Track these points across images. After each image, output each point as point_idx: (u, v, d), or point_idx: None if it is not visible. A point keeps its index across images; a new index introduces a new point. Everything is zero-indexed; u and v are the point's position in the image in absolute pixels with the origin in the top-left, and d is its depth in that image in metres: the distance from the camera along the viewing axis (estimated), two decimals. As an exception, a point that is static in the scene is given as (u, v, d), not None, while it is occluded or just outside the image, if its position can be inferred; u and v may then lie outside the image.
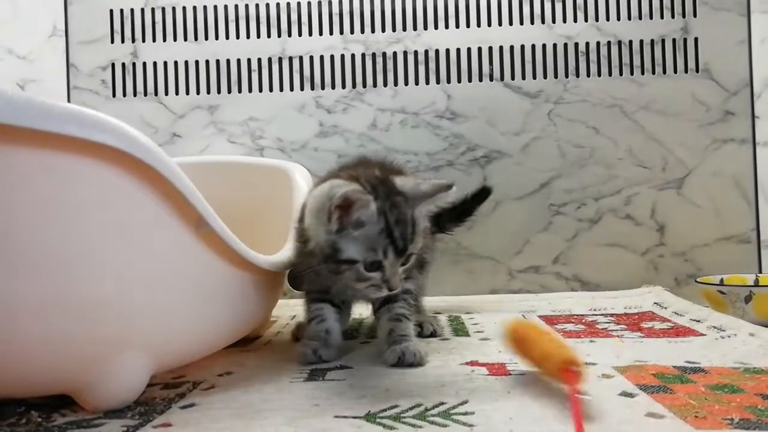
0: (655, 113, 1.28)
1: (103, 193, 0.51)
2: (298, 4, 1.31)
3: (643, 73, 1.28)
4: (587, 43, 1.29)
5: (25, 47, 1.33)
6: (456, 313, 1.09)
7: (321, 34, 1.31)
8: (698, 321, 0.91)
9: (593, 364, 0.69)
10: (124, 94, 1.32)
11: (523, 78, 1.29)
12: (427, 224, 0.72)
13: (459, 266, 1.29)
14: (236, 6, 1.31)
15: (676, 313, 0.99)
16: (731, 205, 1.26)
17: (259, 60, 1.32)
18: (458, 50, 1.30)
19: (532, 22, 1.29)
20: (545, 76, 1.29)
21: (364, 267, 0.66)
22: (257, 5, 1.31)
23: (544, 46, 1.29)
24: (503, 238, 1.29)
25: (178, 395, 0.62)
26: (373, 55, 1.31)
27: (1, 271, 0.47)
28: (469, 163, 1.29)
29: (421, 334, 0.86)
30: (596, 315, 1.03)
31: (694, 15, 1.27)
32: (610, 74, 1.28)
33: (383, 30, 1.31)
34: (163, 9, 1.32)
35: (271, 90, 1.31)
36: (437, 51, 1.30)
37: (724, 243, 1.26)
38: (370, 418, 0.53)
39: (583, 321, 0.98)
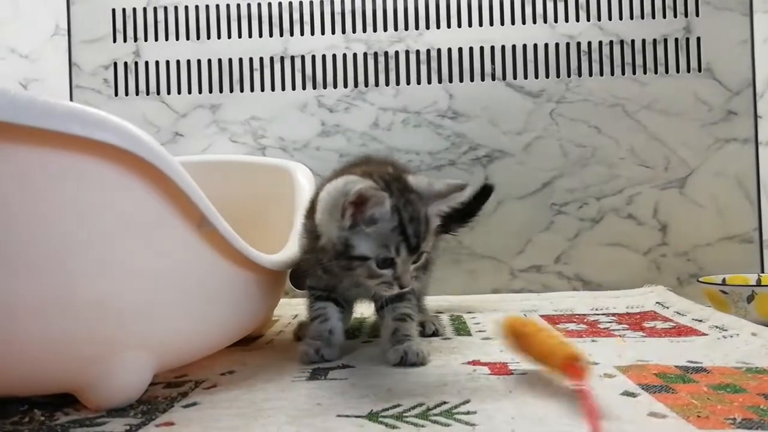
0: (658, 113, 1.27)
1: (106, 191, 0.51)
2: (300, 3, 1.31)
3: (645, 73, 1.28)
4: (589, 43, 1.28)
5: (28, 46, 1.33)
6: (458, 313, 1.09)
7: (323, 33, 1.31)
8: (700, 321, 0.91)
9: (595, 363, 0.69)
10: (127, 93, 1.32)
11: (525, 77, 1.29)
12: (439, 223, 0.72)
13: (461, 266, 1.29)
14: (238, 5, 1.32)
15: (678, 312, 0.99)
16: (733, 205, 1.26)
17: (261, 59, 1.32)
18: (460, 49, 1.30)
19: (534, 22, 1.29)
20: (547, 76, 1.29)
21: (376, 264, 0.65)
22: (259, 4, 1.31)
23: (546, 45, 1.29)
24: (505, 238, 1.29)
25: (181, 394, 0.62)
26: (375, 54, 1.31)
27: (4, 270, 0.47)
28: (471, 162, 1.29)
29: (423, 334, 0.86)
30: (598, 314, 1.03)
31: (697, 14, 1.27)
32: (612, 74, 1.28)
33: (385, 29, 1.31)
34: (166, 8, 1.32)
35: (273, 89, 1.32)
36: (439, 50, 1.30)
37: (727, 243, 1.26)
38: (372, 417, 0.53)
39: (585, 320, 0.98)
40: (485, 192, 1.00)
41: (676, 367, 0.66)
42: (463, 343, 0.83)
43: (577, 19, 1.29)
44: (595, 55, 1.28)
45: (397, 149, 1.28)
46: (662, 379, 0.61)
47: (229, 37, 1.32)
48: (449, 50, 1.30)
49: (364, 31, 1.31)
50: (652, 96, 1.27)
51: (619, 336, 0.85)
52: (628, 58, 1.28)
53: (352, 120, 1.31)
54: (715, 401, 0.54)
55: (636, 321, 0.96)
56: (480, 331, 0.91)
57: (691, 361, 0.69)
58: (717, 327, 0.86)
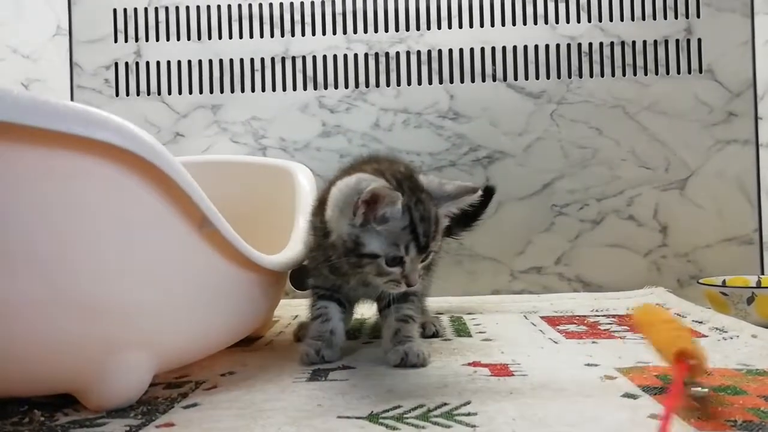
0: (658, 114, 1.27)
1: (107, 191, 0.51)
2: (302, 3, 1.31)
3: (646, 74, 1.28)
4: (590, 44, 1.28)
5: (29, 46, 1.33)
6: (458, 314, 1.09)
7: (324, 33, 1.31)
8: (700, 322, 0.91)
9: (596, 365, 0.69)
10: (128, 94, 1.32)
11: (526, 78, 1.29)
12: (447, 224, 0.72)
13: (461, 267, 1.29)
14: (239, 6, 1.32)
15: (678, 314, 0.99)
16: (734, 207, 1.26)
17: (262, 60, 1.32)
18: (461, 50, 1.30)
19: (536, 23, 1.29)
20: (548, 77, 1.29)
21: (386, 262, 0.66)
22: (260, 5, 1.31)
23: (547, 46, 1.29)
24: (505, 239, 1.29)
25: (181, 395, 0.62)
26: (376, 55, 1.31)
27: (4, 270, 0.47)
28: (471, 163, 1.29)
29: (423, 335, 0.85)
30: (598, 316, 1.03)
31: (698, 16, 1.27)
32: (613, 75, 1.28)
33: (386, 30, 1.31)
34: (167, 8, 1.32)
35: (274, 90, 1.32)
36: (440, 51, 1.30)
37: (727, 244, 1.26)
38: (372, 418, 0.53)
39: (586, 322, 0.98)
40: (487, 194, 1.00)
41: (676, 368, 0.66)
42: (464, 345, 0.83)
43: (578, 20, 1.29)
44: (596, 56, 1.28)
45: (397, 150, 1.28)
46: (663, 381, 0.61)
47: (230, 37, 1.32)
48: (450, 51, 1.30)
49: (365, 31, 1.31)
50: (652, 97, 1.27)
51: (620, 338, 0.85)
52: (628, 60, 1.28)
53: (352, 120, 1.31)
54: (715, 403, 0.54)
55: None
56: (480, 333, 0.91)
57: (692, 363, 0.69)
58: (717, 329, 0.86)
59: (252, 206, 1.03)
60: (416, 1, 1.30)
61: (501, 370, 0.68)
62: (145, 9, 1.32)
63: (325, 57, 1.31)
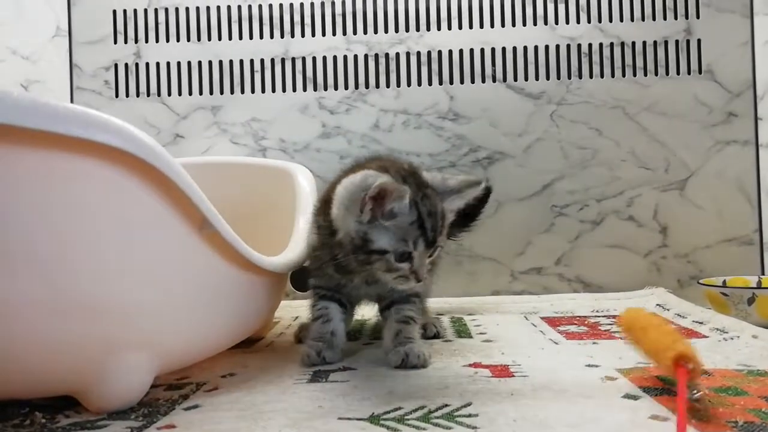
0: (658, 115, 1.28)
1: (107, 193, 0.51)
2: (301, 5, 1.31)
3: (645, 75, 1.28)
4: (590, 45, 1.29)
5: (29, 48, 1.33)
6: (458, 315, 1.09)
7: (324, 35, 1.31)
8: (701, 323, 0.91)
9: (596, 366, 0.69)
10: (127, 95, 1.32)
11: (526, 79, 1.29)
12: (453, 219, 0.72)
13: (461, 267, 1.29)
14: (239, 7, 1.32)
15: (678, 314, 0.99)
16: (734, 207, 1.26)
17: (262, 61, 1.32)
18: (461, 51, 1.30)
19: (535, 24, 1.29)
20: (548, 78, 1.29)
21: (395, 257, 0.66)
22: (260, 6, 1.32)
23: (546, 47, 1.29)
24: (505, 240, 1.29)
25: (182, 396, 0.62)
26: (376, 56, 1.31)
27: (5, 271, 0.47)
28: (471, 164, 1.29)
29: (424, 336, 0.85)
30: (599, 317, 1.03)
31: (697, 16, 1.27)
32: (612, 75, 1.28)
33: (386, 31, 1.31)
34: (166, 9, 1.32)
35: (273, 91, 1.32)
36: (440, 52, 1.30)
37: (727, 245, 1.26)
38: (373, 419, 0.53)
39: (586, 323, 0.98)
40: (485, 194, 1.00)
41: (677, 369, 0.66)
42: (464, 346, 0.83)
43: (578, 21, 1.29)
44: (596, 57, 1.28)
45: (397, 151, 1.28)
46: (663, 382, 0.61)
47: (230, 38, 1.32)
48: (450, 52, 1.30)
49: (365, 32, 1.31)
50: (652, 98, 1.27)
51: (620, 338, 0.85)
52: (628, 60, 1.28)
53: (352, 121, 1.31)
54: (716, 404, 0.54)
55: (637, 323, 0.95)
56: (481, 334, 0.91)
57: (693, 364, 0.68)
58: (718, 329, 0.86)
59: (252, 207, 1.03)
60: (416, 2, 1.30)
61: (502, 371, 0.68)
62: (145, 10, 1.32)
63: (324, 58, 1.31)
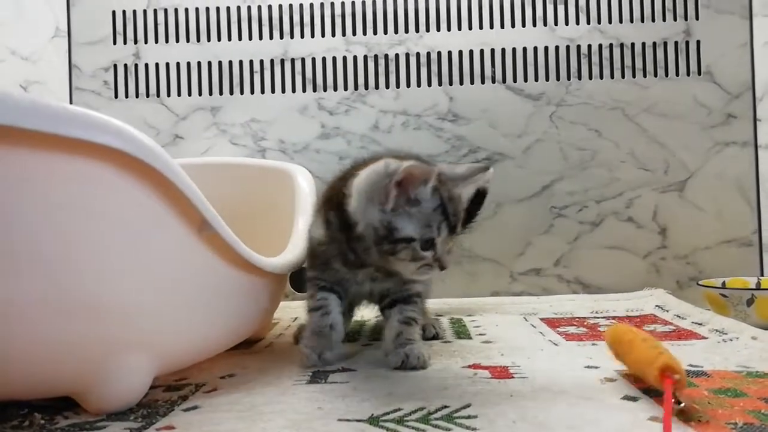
0: (657, 116, 1.28)
1: (106, 194, 0.51)
2: (301, 5, 1.31)
3: (645, 76, 1.28)
4: (589, 46, 1.29)
5: (28, 48, 1.33)
6: (457, 316, 1.09)
7: (323, 35, 1.31)
8: (700, 324, 0.91)
9: (596, 367, 0.69)
10: (127, 96, 1.32)
11: (525, 80, 1.30)
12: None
13: (460, 268, 1.29)
14: (238, 7, 1.32)
15: (678, 316, 0.99)
16: (733, 208, 1.26)
17: (261, 61, 1.32)
18: (460, 52, 1.30)
19: (534, 25, 1.29)
20: (547, 79, 1.29)
21: (420, 245, 0.65)
22: (259, 7, 1.32)
23: (546, 48, 1.29)
24: (505, 241, 1.29)
25: (181, 397, 0.62)
26: (375, 57, 1.31)
27: (5, 272, 0.47)
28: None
29: (423, 337, 0.85)
30: (598, 318, 1.03)
31: (696, 18, 1.27)
32: (612, 77, 1.28)
33: (385, 32, 1.31)
34: (166, 10, 1.32)
35: (273, 91, 1.32)
36: (439, 53, 1.30)
37: (726, 246, 1.26)
38: (373, 421, 0.53)
39: (585, 324, 0.98)
40: (480, 195, 1.00)
41: (676, 371, 0.66)
42: (464, 347, 0.83)
43: (577, 22, 1.29)
44: (595, 58, 1.29)
45: (397, 152, 1.28)
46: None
47: (229, 39, 1.32)
48: (449, 53, 1.30)
49: (364, 33, 1.31)
50: (651, 99, 1.28)
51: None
52: (627, 62, 1.28)
53: (352, 122, 1.31)
54: (716, 406, 0.54)
55: (636, 324, 0.95)
56: (480, 335, 0.91)
57: (692, 365, 0.69)
58: (717, 330, 0.86)
59: (251, 208, 1.03)
60: (415, 3, 1.31)
61: (501, 373, 0.68)
62: (144, 11, 1.32)
63: (324, 59, 1.31)
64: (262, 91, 1.32)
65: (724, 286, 1.07)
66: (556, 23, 1.29)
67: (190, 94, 1.32)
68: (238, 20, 1.32)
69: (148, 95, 1.32)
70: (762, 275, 1.24)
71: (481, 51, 1.30)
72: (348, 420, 0.53)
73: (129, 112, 1.31)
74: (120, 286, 0.53)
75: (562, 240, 1.28)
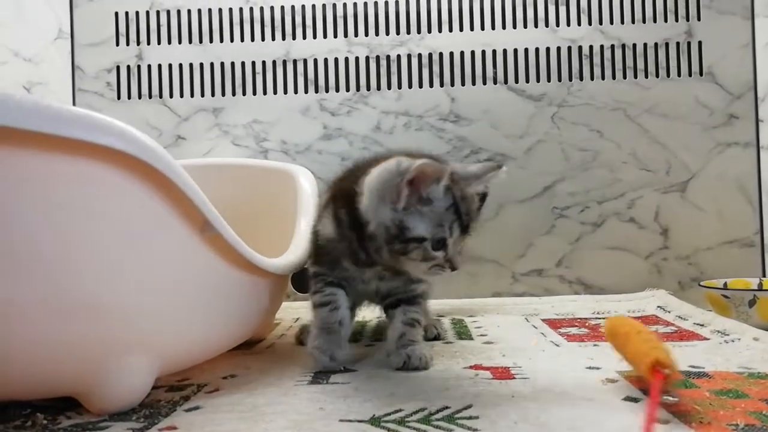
0: (659, 116, 1.28)
1: (109, 195, 0.52)
2: (303, 7, 1.31)
3: (646, 77, 1.28)
4: (591, 47, 1.29)
5: (31, 50, 1.33)
6: (459, 316, 1.09)
7: (325, 37, 1.31)
8: (702, 325, 0.91)
9: (597, 368, 0.69)
10: (129, 97, 1.33)
11: (527, 81, 1.30)
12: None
13: (462, 269, 1.28)
14: (241, 9, 1.32)
15: (679, 317, 0.99)
16: (735, 209, 1.26)
17: (264, 63, 1.32)
18: (462, 53, 1.30)
19: (536, 26, 1.30)
20: (549, 80, 1.29)
21: (432, 245, 0.64)
22: (261, 8, 1.32)
23: (548, 49, 1.29)
24: (506, 241, 1.29)
25: (183, 398, 0.62)
26: (377, 58, 1.31)
27: (7, 272, 0.47)
28: (472, 166, 1.29)
29: (424, 338, 0.85)
30: (600, 318, 1.03)
31: (698, 18, 1.27)
32: (613, 77, 1.28)
33: (387, 33, 1.31)
34: (168, 12, 1.32)
35: (275, 93, 1.32)
36: (441, 54, 1.30)
37: (728, 247, 1.26)
38: (374, 421, 0.53)
39: (587, 324, 0.98)
40: (481, 197, 0.99)
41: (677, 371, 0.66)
42: (465, 348, 0.83)
43: (579, 23, 1.29)
44: (597, 59, 1.29)
45: (398, 153, 1.28)
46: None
47: (232, 40, 1.32)
48: (451, 54, 1.30)
49: (366, 34, 1.31)
50: (653, 100, 1.28)
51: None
52: (629, 62, 1.28)
53: (354, 123, 1.31)
54: (717, 407, 0.54)
55: (638, 325, 0.95)
56: (481, 335, 0.91)
57: (693, 366, 0.69)
58: (718, 331, 0.86)
59: (253, 209, 1.03)
60: (417, 4, 1.31)
61: (502, 373, 0.68)
62: (147, 12, 1.32)
63: (326, 60, 1.31)
64: (264, 92, 1.32)
65: (725, 287, 1.07)
66: (557, 24, 1.29)
67: (192, 95, 1.32)
68: (240, 21, 1.32)
69: (150, 96, 1.32)
70: (764, 276, 1.23)
71: (483, 52, 1.30)
72: (350, 420, 0.53)
73: (131, 113, 1.31)
74: (121, 286, 0.53)
75: (564, 241, 1.28)
